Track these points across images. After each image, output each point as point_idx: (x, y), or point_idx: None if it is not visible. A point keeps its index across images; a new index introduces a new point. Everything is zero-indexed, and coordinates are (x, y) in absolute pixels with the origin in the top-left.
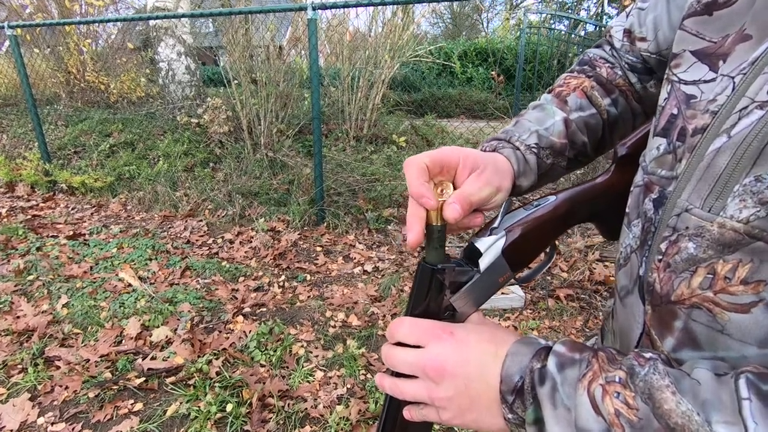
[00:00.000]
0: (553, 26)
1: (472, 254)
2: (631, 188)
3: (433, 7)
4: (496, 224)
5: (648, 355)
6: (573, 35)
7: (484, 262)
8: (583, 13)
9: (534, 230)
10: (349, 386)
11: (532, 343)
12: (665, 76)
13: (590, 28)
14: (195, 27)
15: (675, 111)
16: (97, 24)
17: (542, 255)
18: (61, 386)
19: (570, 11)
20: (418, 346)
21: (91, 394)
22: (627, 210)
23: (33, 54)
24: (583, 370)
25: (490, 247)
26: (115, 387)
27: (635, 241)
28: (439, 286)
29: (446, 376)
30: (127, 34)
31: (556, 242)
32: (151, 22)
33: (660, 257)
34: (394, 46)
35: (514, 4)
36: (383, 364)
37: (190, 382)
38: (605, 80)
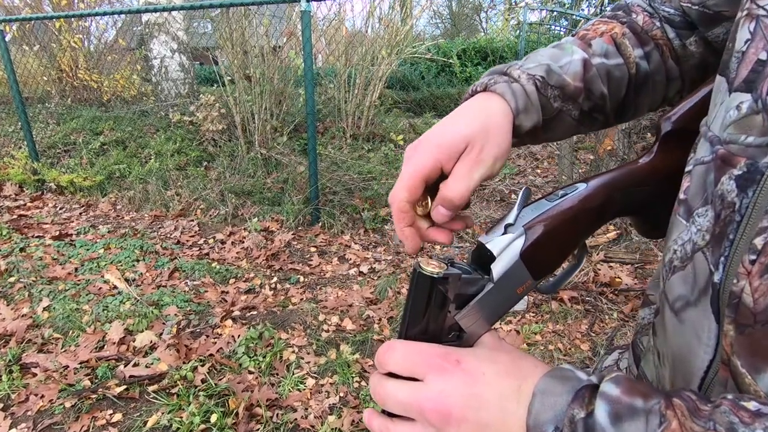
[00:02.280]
0: (552, 26)
1: (483, 258)
2: (688, 168)
3: (431, 4)
4: (511, 219)
5: (752, 406)
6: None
7: (497, 269)
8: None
9: (561, 226)
10: (342, 395)
11: (569, 379)
12: (745, 12)
13: None
14: (192, 27)
15: (763, 56)
16: (87, 21)
17: (569, 258)
18: (36, 395)
19: (569, 10)
20: (415, 379)
21: (67, 404)
22: (683, 196)
23: (23, 51)
24: (654, 427)
25: (506, 249)
26: (93, 396)
27: (702, 236)
28: (440, 300)
29: (452, 422)
30: (124, 35)
31: (587, 242)
32: (144, 19)
33: (754, 257)
34: (392, 42)
35: (513, 3)
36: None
37: (174, 390)
38: (640, 29)
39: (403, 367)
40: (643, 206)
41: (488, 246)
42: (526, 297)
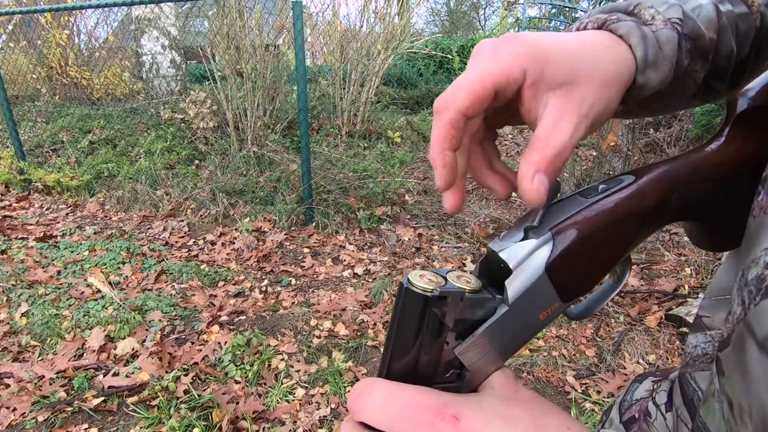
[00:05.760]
0: (552, 21)
1: (494, 272)
2: None
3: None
4: (534, 221)
5: None
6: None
7: (514, 287)
8: (581, 13)
9: (602, 232)
10: (333, 406)
11: None
12: None
13: None
14: (187, 26)
15: None
16: (74, 16)
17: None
18: (8, 408)
19: (569, 4)
20: None
21: (40, 418)
22: None
23: (9, 48)
24: None
25: (526, 261)
26: (68, 409)
27: None
28: (436, 327)
29: None
30: (119, 35)
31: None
32: (134, 14)
33: None
34: (388, 36)
35: (511, 1)
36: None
37: (154, 402)
38: None
39: (380, 419)
40: (709, 207)
41: (502, 255)
42: None
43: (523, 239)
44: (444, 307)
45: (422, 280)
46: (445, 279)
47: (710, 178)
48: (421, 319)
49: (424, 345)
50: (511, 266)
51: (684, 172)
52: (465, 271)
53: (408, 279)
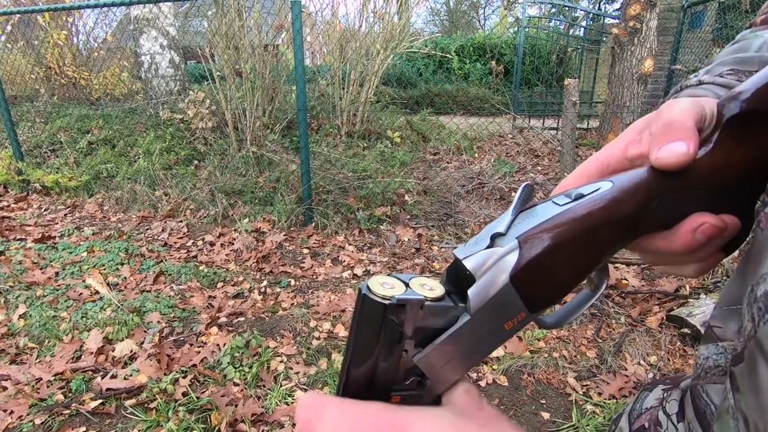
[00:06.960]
0: (552, 20)
1: (460, 279)
2: None
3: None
4: (502, 227)
5: None
6: (574, 26)
7: (477, 296)
8: (581, 12)
9: (574, 241)
10: None
11: None
12: None
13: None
14: (186, 26)
15: None
16: (72, 16)
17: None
18: (5, 411)
19: (567, 8)
20: None
21: (37, 421)
22: None
23: (7, 49)
24: None
25: (490, 269)
26: (66, 412)
27: None
28: (394, 335)
29: None
30: (119, 36)
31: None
32: (133, 14)
33: None
34: (387, 35)
35: (511, 0)
36: None
37: (152, 405)
38: None
39: None
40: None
41: (466, 263)
42: None
43: (489, 246)
44: (402, 315)
45: (382, 287)
46: (407, 286)
47: (694, 186)
48: (379, 326)
49: (381, 353)
50: (474, 274)
51: (664, 179)
52: (430, 278)
53: (367, 285)
